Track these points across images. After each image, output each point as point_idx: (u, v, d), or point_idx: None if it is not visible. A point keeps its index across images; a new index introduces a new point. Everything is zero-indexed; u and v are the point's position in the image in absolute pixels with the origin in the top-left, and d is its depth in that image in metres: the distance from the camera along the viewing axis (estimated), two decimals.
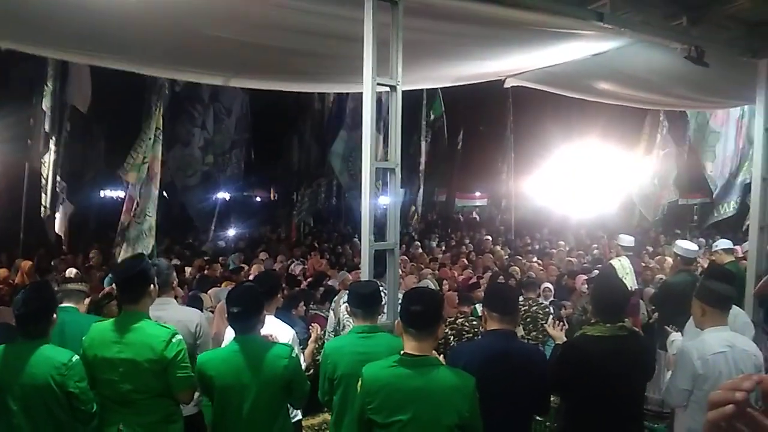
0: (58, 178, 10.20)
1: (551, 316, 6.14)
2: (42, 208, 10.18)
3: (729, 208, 9.83)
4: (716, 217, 10.19)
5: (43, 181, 10.25)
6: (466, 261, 10.46)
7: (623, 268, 7.42)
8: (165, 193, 12.02)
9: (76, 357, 2.96)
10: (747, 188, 8.96)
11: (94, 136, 13.74)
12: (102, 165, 14.66)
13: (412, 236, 14.04)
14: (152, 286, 3.18)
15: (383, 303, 3.50)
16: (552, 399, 3.35)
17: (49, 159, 10.32)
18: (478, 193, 23.06)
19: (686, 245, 6.00)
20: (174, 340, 3.02)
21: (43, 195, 10.19)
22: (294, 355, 3.10)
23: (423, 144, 14.04)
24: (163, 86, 9.38)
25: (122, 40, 4.24)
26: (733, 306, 3.61)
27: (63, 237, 10.38)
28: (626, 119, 12.03)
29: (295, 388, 3.06)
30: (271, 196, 24.58)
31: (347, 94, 11.78)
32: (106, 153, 14.58)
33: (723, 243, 6.41)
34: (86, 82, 10.43)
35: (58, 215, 10.20)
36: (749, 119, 8.59)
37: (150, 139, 7.86)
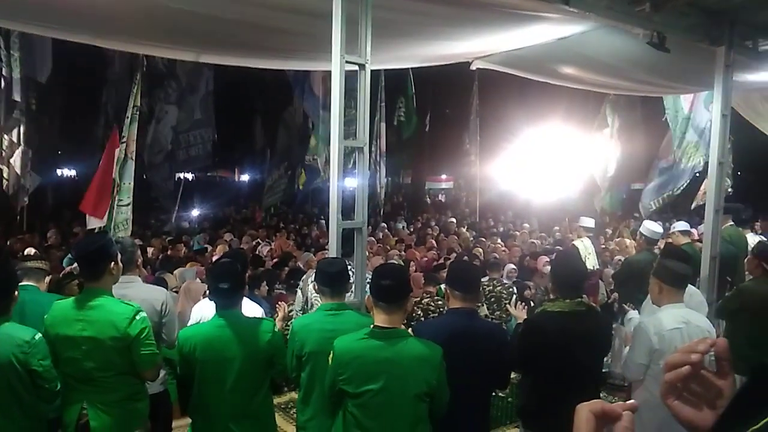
0: (22, 149, 9.82)
1: (514, 296, 6.28)
2: (3, 181, 9.79)
3: (674, 192, 9.86)
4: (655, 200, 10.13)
5: (3, 153, 9.86)
6: (433, 242, 10.56)
7: (586, 248, 7.63)
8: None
9: (38, 335, 2.91)
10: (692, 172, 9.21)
11: (54, 110, 13.31)
12: (60, 141, 14.27)
13: (378, 218, 14.08)
14: (114, 263, 3.13)
15: (351, 281, 3.53)
16: (512, 375, 3.45)
17: (17, 131, 9.95)
18: (444, 176, 23.22)
19: (652, 226, 6.19)
20: (138, 317, 3.00)
21: (3, 168, 9.80)
22: (276, 329, 3.16)
23: (383, 125, 13.96)
24: (143, 63, 9.17)
25: (87, 11, 4.10)
26: (689, 285, 3.75)
27: (18, 214, 10.07)
28: (588, 103, 12.23)
29: (277, 362, 3.14)
30: (235, 176, 24.32)
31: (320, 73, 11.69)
32: (63, 129, 14.17)
33: (680, 225, 6.62)
34: (47, 53, 10.07)
35: (20, 190, 9.85)
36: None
37: (128, 117, 7.65)
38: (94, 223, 7.43)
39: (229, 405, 3.00)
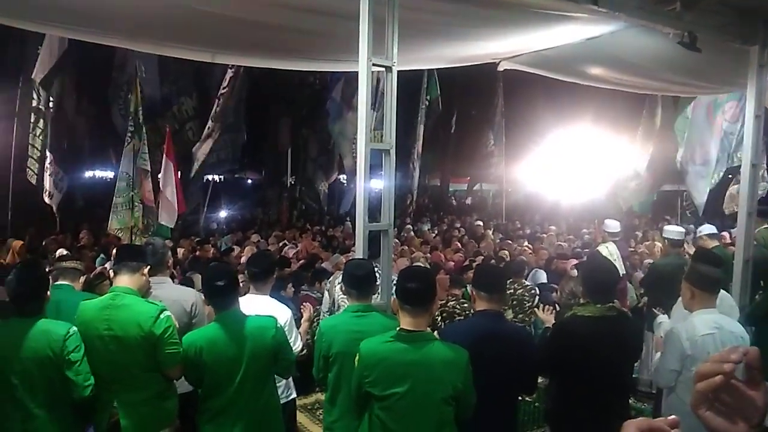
0: (48, 153, 10.05)
1: (537, 299, 6.22)
2: (40, 183, 10.02)
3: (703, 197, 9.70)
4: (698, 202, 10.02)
5: (32, 159, 10.10)
6: (459, 244, 10.51)
7: (610, 254, 7.49)
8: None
9: (74, 328, 2.99)
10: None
11: (82, 113, 13.59)
12: (90, 143, 14.54)
13: (404, 220, 14.09)
14: (144, 265, 3.22)
15: (377, 283, 3.54)
16: (540, 380, 3.41)
17: (43, 135, 10.20)
18: (469, 178, 23.07)
19: (673, 229, 6.19)
20: (162, 316, 3.05)
21: (46, 176, 10.04)
22: (279, 325, 3.16)
23: (421, 128, 13.99)
24: (136, 66, 9.40)
25: (105, 12, 4.14)
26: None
27: (56, 215, 10.29)
28: (617, 104, 12.07)
29: (281, 357, 3.15)
30: (262, 178, 24.52)
31: (342, 74, 11.74)
32: (92, 132, 14.44)
33: (707, 228, 6.50)
34: (53, 54, 10.27)
35: (53, 191, 10.07)
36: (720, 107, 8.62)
37: (132, 125, 7.93)
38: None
39: (236, 403, 3.01)
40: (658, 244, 10.07)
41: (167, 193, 8.28)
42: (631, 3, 4.12)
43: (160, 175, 8.43)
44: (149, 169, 8.13)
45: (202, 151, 11.19)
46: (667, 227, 6.35)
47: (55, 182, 10.00)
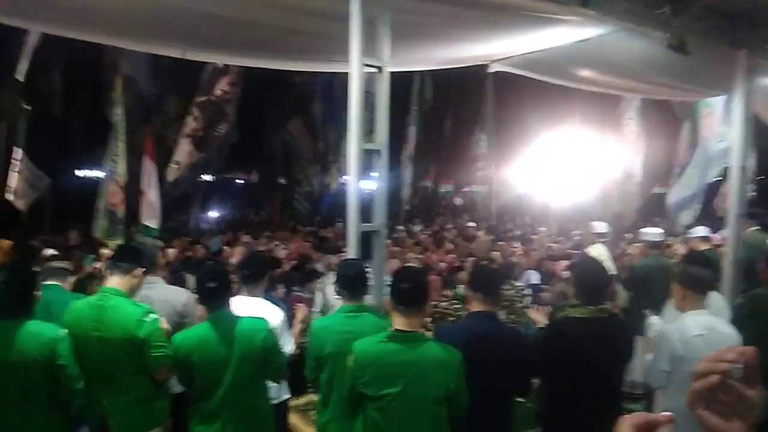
0: (21, 153, 9.87)
1: (529, 299, 6.24)
2: (8, 188, 9.85)
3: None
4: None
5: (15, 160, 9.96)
6: (450, 246, 10.52)
7: (599, 255, 7.53)
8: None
9: (63, 331, 2.97)
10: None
11: (75, 112, 13.49)
12: (82, 142, 14.44)
13: (396, 221, 14.09)
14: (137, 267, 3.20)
15: (369, 283, 3.54)
16: (533, 381, 3.43)
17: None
18: (458, 178, 23.06)
19: (650, 231, 6.44)
20: (147, 319, 3.02)
21: (13, 173, 9.90)
22: (270, 328, 3.14)
23: (412, 129, 14.00)
24: (120, 66, 9.33)
25: (74, 5, 4.06)
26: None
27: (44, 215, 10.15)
28: (605, 106, 12.15)
29: (272, 360, 3.11)
30: (253, 178, 24.41)
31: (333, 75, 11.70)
32: (86, 130, 14.34)
33: (699, 230, 6.55)
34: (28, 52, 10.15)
35: (21, 190, 9.90)
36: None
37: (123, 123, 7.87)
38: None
39: (226, 405, 3.00)
40: None
41: (150, 195, 8.21)
42: (620, 6, 4.16)
43: (143, 176, 8.33)
44: (118, 171, 8.02)
45: (181, 152, 10.90)
46: (644, 230, 6.49)
47: (26, 181, 9.82)
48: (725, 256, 5.23)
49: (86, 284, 4.60)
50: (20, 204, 9.80)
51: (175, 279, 4.87)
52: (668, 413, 0.84)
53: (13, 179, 9.63)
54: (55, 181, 11.07)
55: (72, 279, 4.06)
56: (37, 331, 2.92)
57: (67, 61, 11.10)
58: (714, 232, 6.96)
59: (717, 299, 4.22)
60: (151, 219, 8.17)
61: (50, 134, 12.10)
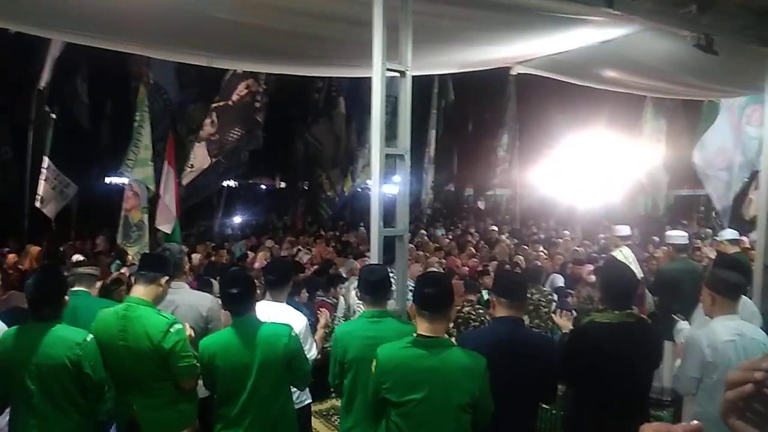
0: (47, 161, 10.06)
1: (555, 304, 6.17)
2: (37, 196, 10.05)
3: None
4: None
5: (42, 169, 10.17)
6: (473, 250, 10.47)
7: (625, 258, 7.42)
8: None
9: (90, 336, 3.00)
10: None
11: (98, 121, 13.72)
12: (107, 151, 14.68)
13: (418, 225, 14.07)
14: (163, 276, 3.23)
15: (392, 289, 3.53)
16: (558, 387, 3.38)
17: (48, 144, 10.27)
18: (481, 182, 22.93)
19: (675, 234, 6.26)
20: (172, 330, 3.03)
21: (41, 181, 10.10)
22: (293, 334, 3.12)
23: (432, 132, 13.98)
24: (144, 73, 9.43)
25: (101, 16, 4.11)
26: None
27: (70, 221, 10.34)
28: (631, 107, 11.99)
29: (295, 366, 3.11)
30: (276, 184, 24.59)
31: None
32: (110, 140, 14.59)
33: (728, 233, 6.42)
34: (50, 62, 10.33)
35: (48, 197, 10.07)
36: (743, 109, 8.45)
37: (141, 129, 7.96)
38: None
39: (249, 410, 3.00)
40: None
41: (166, 200, 8.26)
42: (646, 5, 4.09)
43: (162, 181, 8.41)
44: (133, 177, 8.09)
45: (195, 155, 10.92)
46: (670, 233, 6.35)
47: (54, 188, 10.02)
48: (755, 260, 5.11)
49: (113, 289, 4.66)
50: (48, 211, 10.02)
51: (201, 284, 4.91)
52: (696, 422, 0.82)
53: (41, 187, 9.85)
54: (82, 188, 11.29)
55: (99, 284, 4.11)
56: (65, 335, 2.95)
57: (94, 70, 11.29)
58: (743, 235, 6.82)
59: (747, 304, 4.12)
60: (165, 224, 8.23)
61: (77, 142, 12.34)
